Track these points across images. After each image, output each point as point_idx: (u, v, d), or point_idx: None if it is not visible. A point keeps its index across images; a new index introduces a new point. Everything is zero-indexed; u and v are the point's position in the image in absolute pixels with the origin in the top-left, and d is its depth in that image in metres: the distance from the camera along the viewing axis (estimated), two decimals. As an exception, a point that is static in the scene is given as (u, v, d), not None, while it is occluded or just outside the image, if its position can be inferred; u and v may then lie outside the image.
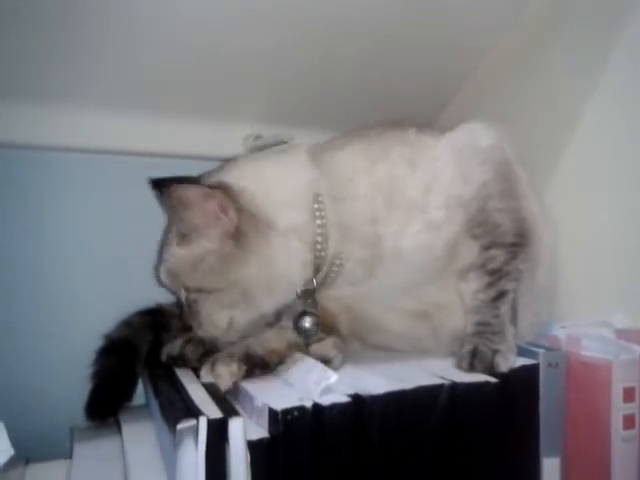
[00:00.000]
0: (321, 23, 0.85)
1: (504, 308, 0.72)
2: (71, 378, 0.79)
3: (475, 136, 0.76)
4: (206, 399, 0.61)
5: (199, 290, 0.70)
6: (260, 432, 0.56)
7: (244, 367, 0.70)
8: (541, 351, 0.69)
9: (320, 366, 0.65)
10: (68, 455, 0.73)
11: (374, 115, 0.81)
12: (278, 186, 0.71)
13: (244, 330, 0.73)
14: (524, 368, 0.68)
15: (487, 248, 0.73)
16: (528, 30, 0.93)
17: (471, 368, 0.68)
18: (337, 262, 0.72)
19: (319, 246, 0.70)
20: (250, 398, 0.61)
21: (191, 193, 0.66)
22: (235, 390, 0.67)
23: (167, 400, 0.63)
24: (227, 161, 0.76)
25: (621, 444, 0.67)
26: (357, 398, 0.59)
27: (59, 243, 0.90)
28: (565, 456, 0.69)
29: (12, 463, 0.57)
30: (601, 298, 0.80)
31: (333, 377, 0.60)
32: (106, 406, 0.79)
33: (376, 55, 0.93)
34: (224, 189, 0.68)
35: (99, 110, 0.89)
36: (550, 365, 0.69)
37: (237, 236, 0.68)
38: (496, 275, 0.73)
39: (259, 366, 0.71)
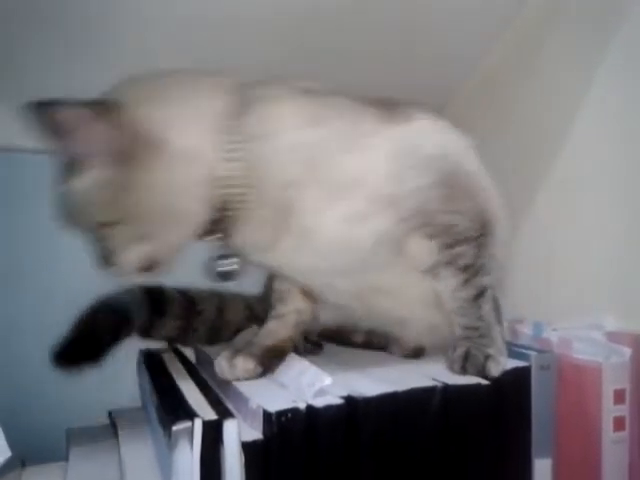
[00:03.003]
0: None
1: (487, 307, 0.71)
2: (67, 380, 0.79)
3: (421, 141, 0.70)
4: (201, 401, 0.61)
5: (101, 225, 0.63)
6: (254, 434, 0.56)
7: (260, 369, 0.70)
8: (533, 353, 0.70)
9: (314, 368, 0.65)
10: (64, 457, 0.73)
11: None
12: (180, 104, 0.64)
13: (162, 266, 0.67)
14: (516, 370, 0.69)
15: (451, 246, 0.70)
16: (526, 30, 0.94)
17: (463, 371, 0.68)
18: (240, 215, 0.65)
19: (222, 185, 0.63)
20: (245, 400, 0.62)
21: (72, 115, 0.58)
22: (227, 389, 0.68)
23: (162, 402, 0.63)
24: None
25: (611, 446, 0.68)
26: (350, 400, 0.59)
27: (57, 242, 0.90)
28: (556, 457, 0.69)
29: (9, 465, 0.58)
30: (592, 301, 0.81)
31: (327, 379, 0.61)
32: (71, 355, 0.77)
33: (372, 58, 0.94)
34: (111, 108, 0.60)
35: None
36: (542, 367, 0.69)
37: (127, 159, 0.61)
38: (470, 271, 0.70)
39: (276, 362, 0.71)
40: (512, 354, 0.72)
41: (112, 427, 0.78)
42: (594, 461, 0.68)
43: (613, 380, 0.68)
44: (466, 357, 0.69)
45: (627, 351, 0.69)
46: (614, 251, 0.79)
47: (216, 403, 0.60)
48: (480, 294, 0.71)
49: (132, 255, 0.65)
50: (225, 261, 0.70)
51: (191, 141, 0.63)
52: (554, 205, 0.89)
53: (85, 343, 0.78)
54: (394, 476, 0.61)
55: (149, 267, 0.66)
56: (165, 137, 0.61)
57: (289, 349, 0.74)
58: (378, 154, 0.67)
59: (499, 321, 0.73)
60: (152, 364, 0.80)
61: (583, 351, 0.70)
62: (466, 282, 0.70)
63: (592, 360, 0.69)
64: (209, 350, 0.82)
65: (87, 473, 0.66)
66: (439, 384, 0.64)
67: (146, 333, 0.87)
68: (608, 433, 0.68)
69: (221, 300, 0.93)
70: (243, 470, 0.53)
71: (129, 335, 0.83)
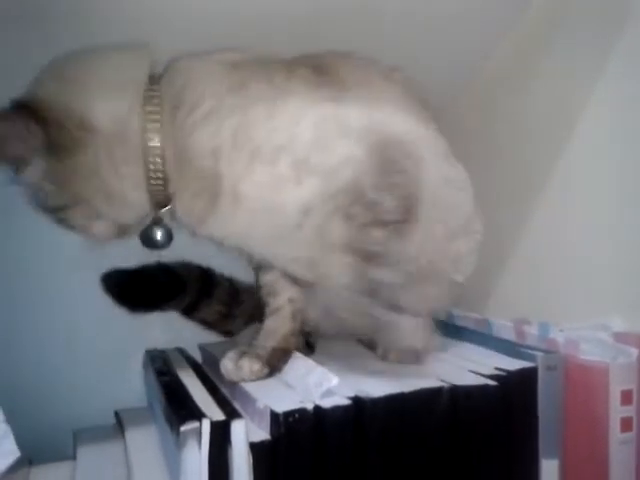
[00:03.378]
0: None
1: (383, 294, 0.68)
2: (74, 380, 0.80)
3: (354, 111, 0.67)
4: (208, 401, 0.62)
5: (56, 210, 0.67)
6: (261, 434, 0.57)
7: (267, 370, 0.70)
8: (539, 354, 0.70)
9: (320, 368, 0.65)
10: (70, 457, 0.74)
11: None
12: (99, 85, 0.65)
13: (133, 229, 0.71)
14: (523, 371, 0.68)
15: (365, 227, 0.66)
16: (528, 34, 0.94)
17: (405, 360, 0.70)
18: (173, 189, 0.66)
19: (151, 158, 0.65)
20: (252, 400, 0.62)
21: None
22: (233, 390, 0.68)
23: (170, 402, 0.63)
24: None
25: (619, 446, 0.68)
26: (358, 401, 0.59)
27: (58, 243, 0.90)
28: (564, 458, 0.69)
29: (17, 465, 0.58)
30: (599, 301, 0.80)
31: (334, 380, 0.61)
32: (124, 287, 0.82)
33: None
34: (28, 107, 0.62)
35: None
36: (549, 368, 0.69)
37: (58, 149, 0.63)
38: (372, 258, 0.67)
39: (282, 361, 0.71)
40: (519, 355, 0.72)
41: (119, 427, 0.79)
42: (601, 462, 0.68)
43: (620, 381, 0.68)
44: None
45: (634, 352, 0.69)
46: (621, 251, 0.79)
47: (224, 403, 0.61)
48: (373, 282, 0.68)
49: (99, 228, 0.68)
50: (157, 229, 0.71)
51: (112, 120, 0.64)
52: (560, 206, 0.89)
53: (142, 285, 0.81)
54: (401, 476, 0.61)
55: (122, 232, 0.70)
56: (89, 122, 0.63)
57: (293, 345, 0.74)
58: (305, 121, 0.65)
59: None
60: (158, 364, 0.80)
61: (590, 352, 0.70)
62: (364, 269, 0.67)
63: (599, 361, 0.69)
64: (215, 350, 0.82)
65: (95, 472, 0.67)
66: (446, 384, 0.64)
67: (189, 311, 0.88)
68: (615, 434, 0.68)
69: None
70: (251, 470, 0.53)
71: (177, 305, 0.85)
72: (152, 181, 0.66)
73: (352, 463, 0.59)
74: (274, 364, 0.71)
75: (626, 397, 0.68)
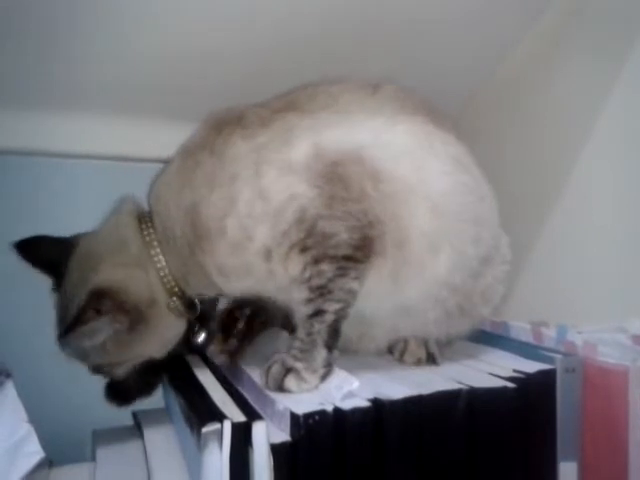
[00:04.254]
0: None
1: (318, 327, 0.67)
2: (93, 380, 0.80)
3: (289, 149, 0.69)
4: (228, 402, 0.62)
5: (105, 365, 0.77)
6: (281, 436, 0.57)
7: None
8: (558, 357, 0.70)
9: (341, 371, 0.66)
10: (89, 458, 0.74)
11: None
12: (130, 267, 0.73)
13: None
14: (541, 373, 0.68)
15: (317, 261, 0.67)
16: (543, 38, 0.94)
17: (266, 386, 0.66)
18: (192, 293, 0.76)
19: (175, 290, 0.75)
20: (271, 402, 0.62)
21: (85, 329, 0.69)
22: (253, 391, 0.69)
23: (189, 404, 0.64)
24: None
25: (638, 450, 0.68)
26: (377, 403, 0.60)
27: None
28: (582, 461, 0.69)
29: (37, 466, 0.58)
30: (617, 303, 0.80)
31: (355, 382, 0.61)
32: None
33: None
34: (103, 296, 0.70)
35: (99, 116, 0.90)
36: (567, 370, 0.69)
37: (133, 326, 0.72)
38: (317, 292, 0.67)
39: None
40: (537, 357, 0.72)
41: (137, 428, 0.79)
42: (620, 465, 0.68)
43: (640, 383, 0.68)
44: (268, 371, 0.67)
45: (653, 354, 0.69)
46: (639, 254, 0.79)
47: (243, 405, 0.61)
48: (316, 314, 0.67)
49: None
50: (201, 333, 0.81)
51: (149, 290, 0.74)
52: (577, 208, 0.88)
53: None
54: (420, 478, 0.61)
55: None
56: (150, 298, 0.74)
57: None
58: (240, 179, 0.69)
59: (329, 347, 0.67)
60: (176, 365, 0.81)
61: (609, 354, 0.70)
62: (309, 301, 0.68)
63: (618, 363, 0.68)
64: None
65: (115, 473, 0.67)
66: (464, 387, 0.64)
67: None
68: (635, 436, 0.67)
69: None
70: (272, 472, 0.54)
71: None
72: (176, 309, 0.75)
73: (371, 464, 0.59)
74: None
75: (645, 399, 0.68)
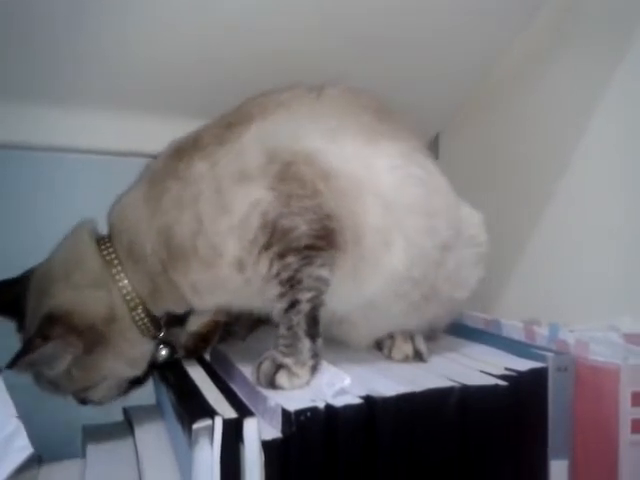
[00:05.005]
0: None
1: (296, 319, 0.68)
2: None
3: (243, 159, 0.70)
4: (219, 399, 0.62)
5: (79, 391, 0.75)
6: (273, 432, 0.57)
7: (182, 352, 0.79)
8: (550, 355, 0.70)
9: (333, 368, 0.66)
10: (79, 454, 0.74)
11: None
12: (86, 287, 0.72)
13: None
14: (533, 372, 0.68)
15: (282, 256, 0.68)
16: (534, 45, 0.94)
17: (258, 382, 0.66)
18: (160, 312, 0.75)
19: (139, 310, 0.73)
20: (263, 398, 0.62)
21: (33, 358, 0.67)
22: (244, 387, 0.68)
23: (180, 400, 0.63)
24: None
25: (629, 448, 0.68)
26: (369, 400, 0.59)
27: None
28: (573, 459, 0.69)
29: (27, 462, 0.58)
30: (609, 302, 0.80)
31: (347, 379, 0.61)
32: None
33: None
34: (55, 322, 0.69)
35: (100, 111, 0.90)
36: (559, 369, 0.69)
37: (87, 349, 0.70)
38: (287, 285, 0.68)
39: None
40: (529, 355, 0.72)
41: (128, 424, 0.79)
42: (611, 463, 0.68)
43: (631, 382, 0.68)
44: (259, 368, 0.67)
45: (645, 353, 0.69)
46: (631, 252, 0.79)
47: (235, 401, 0.61)
48: (291, 306, 0.68)
49: (107, 393, 0.77)
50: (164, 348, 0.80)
51: (106, 308, 0.72)
52: (569, 206, 0.89)
53: None
54: (411, 475, 0.61)
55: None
56: (103, 318, 0.71)
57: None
58: (203, 196, 0.69)
59: (312, 336, 0.68)
60: (168, 361, 0.80)
61: (600, 353, 0.70)
62: (282, 295, 0.69)
63: (609, 362, 0.68)
64: (226, 349, 0.82)
65: (106, 470, 0.67)
66: (456, 384, 0.64)
67: None
68: (625, 435, 0.68)
69: None
70: (263, 468, 0.53)
71: None
72: (142, 327, 0.74)
73: (363, 461, 0.59)
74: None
75: (637, 398, 0.68)
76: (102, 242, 0.74)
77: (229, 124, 0.74)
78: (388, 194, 0.71)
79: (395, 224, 0.71)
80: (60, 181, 0.93)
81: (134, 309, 0.73)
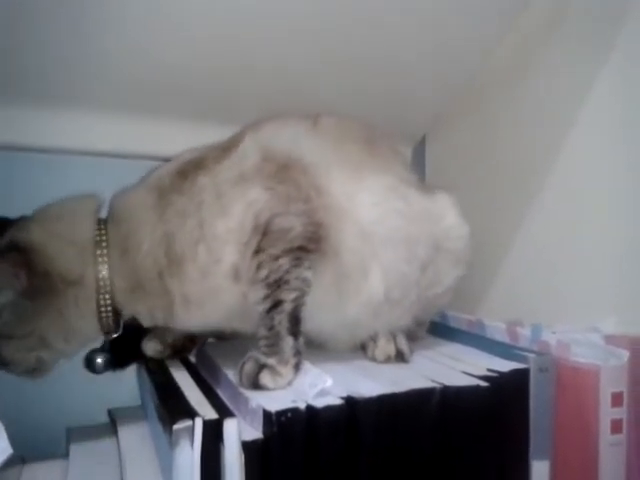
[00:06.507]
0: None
1: (278, 318, 0.69)
2: (68, 378, 0.80)
3: (241, 162, 0.73)
4: (201, 400, 0.62)
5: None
6: (254, 433, 0.57)
7: (168, 351, 0.81)
8: (531, 356, 0.70)
9: (315, 369, 0.66)
10: (64, 455, 0.74)
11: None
12: (64, 241, 0.72)
13: (54, 363, 0.75)
14: (515, 372, 0.69)
15: (276, 258, 0.69)
16: (528, 32, 0.94)
17: (241, 384, 0.66)
18: (129, 312, 0.74)
19: (106, 297, 0.72)
20: (245, 400, 0.62)
21: None
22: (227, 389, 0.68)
23: (162, 401, 0.63)
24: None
25: (609, 448, 0.69)
26: (350, 400, 0.60)
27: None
28: (554, 459, 0.70)
29: (10, 462, 0.58)
30: (590, 304, 0.81)
31: (329, 380, 0.61)
32: None
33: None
34: (16, 250, 0.68)
35: (100, 113, 0.90)
36: (540, 370, 0.70)
37: (32, 293, 0.69)
38: (274, 286, 0.69)
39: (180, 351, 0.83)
40: (511, 356, 0.73)
41: (112, 425, 0.79)
42: (592, 463, 0.69)
43: (611, 383, 0.68)
44: (242, 368, 0.67)
45: (625, 354, 0.69)
46: (613, 254, 0.80)
47: (217, 402, 0.61)
48: (274, 306, 0.69)
49: (28, 359, 0.72)
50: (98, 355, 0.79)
51: (78, 274, 0.71)
52: (553, 208, 0.89)
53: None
54: (393, 476, 0.62)
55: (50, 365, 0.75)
56: (62, 274, 0.70)
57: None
58: (205, 204, 0.71)
59: (294, 334, 0.69)
60: (152, 363, 0.80)
61: (581, 354, 0.70)
62: (266, 297, 0.70)
63: (590, 363, 0.69)
64: (211, 350, 0.82)
65: (88, 471, 0.66)
66: (438, 385, 0.65)
67: None
68: (606, 436, 0.68)
69: None
70: (243, 469, 0.54)
71: None
72: (103, 315, 0.72)
73: (344, 462, 0.59)
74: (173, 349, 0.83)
75: (616, 399, 0.69)
76: (101, 222, 0.74)
77: (228, 147, 0.76)
78: (366, 227, 0.74)
79: (372, 254, 0.74)
80: (53, 182, 0.92)
81: (102, 294, 0.72)
